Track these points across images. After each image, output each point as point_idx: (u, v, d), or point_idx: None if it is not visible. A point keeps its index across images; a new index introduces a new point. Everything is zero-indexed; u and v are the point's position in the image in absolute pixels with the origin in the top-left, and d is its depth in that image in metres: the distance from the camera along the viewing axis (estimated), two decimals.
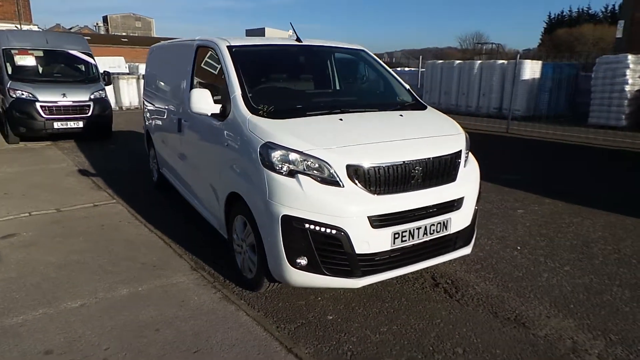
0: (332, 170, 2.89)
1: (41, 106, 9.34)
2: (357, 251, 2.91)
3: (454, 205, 3.29)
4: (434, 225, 3.17)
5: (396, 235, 3.00)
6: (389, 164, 2.99)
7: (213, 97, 3.61)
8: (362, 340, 2.90)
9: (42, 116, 9.37)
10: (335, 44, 4.52)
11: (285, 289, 3.50)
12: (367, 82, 4.69)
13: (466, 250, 3.53)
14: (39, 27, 18.60)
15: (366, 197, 2.93)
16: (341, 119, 3.37)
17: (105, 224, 4.97)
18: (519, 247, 4.38)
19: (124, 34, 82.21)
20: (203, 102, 3.53)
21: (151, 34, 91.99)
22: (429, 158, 3.16)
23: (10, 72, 9.83)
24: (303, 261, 2.92)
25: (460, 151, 3.43)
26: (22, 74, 9.87)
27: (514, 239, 4.60)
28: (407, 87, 4.31)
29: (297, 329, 3.03)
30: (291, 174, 2.92)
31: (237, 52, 3.86)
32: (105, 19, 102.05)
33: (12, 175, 7.06)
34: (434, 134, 3.47)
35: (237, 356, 2.70)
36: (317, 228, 2.85)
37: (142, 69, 31.92)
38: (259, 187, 3.03)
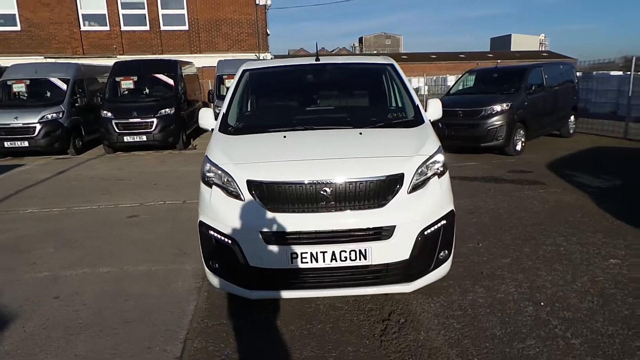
0: (235, 184, 3.10)
1: None
2: (251, 264, 3.02)
3: (379, 233, 2.98)
4: (345, 252, 2.96)
5: (294, 255, 2.97)
6: (289, 182, 2.99)
7: None
8: (242, 349, 3.00)
9: None
10: (358, 60, 4.46)
11: None
12: (374, 98, 4.42)
13: (404, 288, 3.11)
14: (273, 56, 22.47)
15: (262, 212, 3.01)
16: (285, 137, 3.47)
17: None
18: (542, 303, 3.43)
19: (374, 52, 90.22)
20: (205, 119, 4.14)
21: (399, 50, 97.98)
22: (344, 180, 2.98)
23: (221, 93, 12.62)
24: (216, 264, 3.22)
25: (402, 175, 3.06)
26: None
27: (551, 293, 3.59)
28: (417, 103, 3.94)
29: (214, 326, 3.32)
30: (210, 185, 3.26)
31: (250, 75, 4.34)
32: (360, 40, 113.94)
33: (181, 173, 9.16)
34: (376, 154, 3.19)
35: (151, 333, 3.22)
36: (218, 236, 3.11)
37: None
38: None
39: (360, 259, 2.97)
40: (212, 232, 3.13)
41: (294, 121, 3.81)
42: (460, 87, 11.14)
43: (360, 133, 3.47)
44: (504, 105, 9.16)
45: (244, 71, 4.38)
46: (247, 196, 3.06)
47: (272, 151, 3.29)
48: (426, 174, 3.19)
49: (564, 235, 4.80)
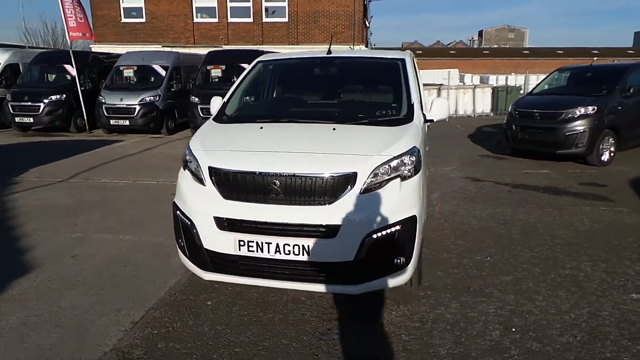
0: (200, 170, 3.27)
1: None
2: (205, 246, 3.18)
3: (323, 231, 2.93)
4: (288, 245, 2.98)
5: (241, 243, 3.06)
6: (242, 172, 3.07)
7: None
8: (189, 325, 3.19)
9: None
10: (370, 55, 4.32)
11: None
12: (375, 93, 4.22)
13: (349, 290, 3.03)
14: (372, 47, 22.35)
15: (217, 199, 3.14)
16: (261, 127, 3.55)
17: None
18: (514, 330, 3.08)
19: (495, 46, 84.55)
20: (213, 107, 4.37)
21: (523, 45, 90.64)
22: (294, 174, 2.98)
23: None
24: (182, 243, 3.44)
25: (354, 174, 2.97)
26: None
27: (533, 320, 3.19)
28: (414, 101, 3.74)
29: (180, 300, 3.56)
30: (185, 169, 3.48)
31: (262, 66, 4.48)
32: (480, 33, 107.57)
33: None
34: (335, 151, 3.12)
35: (127, 298, 3.58)
36: (182, 217, 3.32)
37: (492, 80, 32.43)
38: None
39: (303, 255, 2.97)
40: (179, 213, 3.35)
41: (283, 113, 3.87)
42: (548, 87, 10.06)
43: (334, 129, 3.42)
44: (590, 108, 8.10)
45: (257, 62, 4.52)
46: (208, 182, 3.21)
47: (239, 141, 3.40)
48: (388, 174, 3.05)
49: (594, 260, 4.20)
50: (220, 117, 3.97)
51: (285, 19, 21.24)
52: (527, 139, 8.80)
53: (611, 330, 3.07)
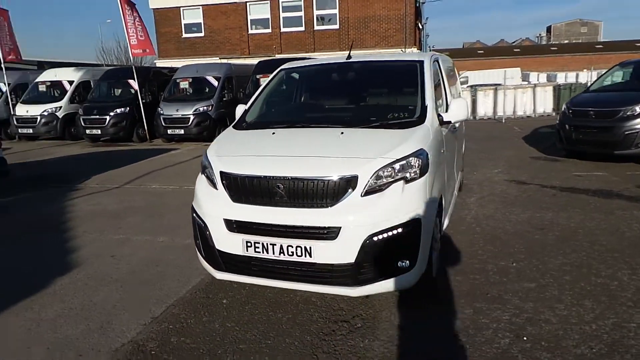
0: (213, 174, 3.43)
1: None
2: (217, 247, 3.34)
3: (324, 233, 2.98)
4: (291, 247, 3.06)
5: (248, 244, 3.18)
6: (248, 176, 3.20)
7: None
8: (201, 322, 3.35)
9: None
10: (389, 58, 4.32)
11: None
12: (393, 96, 4.16)
13: (349, 292, 3.05)
14: (430, 49, 21.93)
15: (227, 202, 3.29)
16: (273, 133, 3.66)
17: None
18: (525, 339, 2.93)
19: (565, 41, 79.69)
20: (237, 114, 4.56)
21: (597, 39, 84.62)
22: (296, 177, 3.06)
23: None
24: (198, 244, 3.63)
25: (355, 177, 2.99)
26: None
27: (549, 330, 3.02)
28: (427, 104, 3.68)
29: (199, 299, 3.74)
30: (202, 173, 3.67)
31: (285, 74, 4.61)
32: (548, 29, 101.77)
33: None
34: (338, 154, 3.15)
35: (152, 295, 3.82)
36: (198, 219, 3.50)
37: (560, 77, 30.16)
38: None
39: (305, 256, 3.03)
40: (195, 215, 3.54)
41: (297, 119, 3.97)
42: (609, 83, 9.38)
43: (342, 133, 3.46)
44: None
45: (280, 70, 4.66)
46: (220, 186, 3.37)
47: (250, 146, 3.54)
48: (392, 177, 3.04)
49: (633, 268, 3.88)
50: (240, 124, 4.14)
51: (336, 26, 21.46)
52: (582, 139, 8.26)
53: (635, 343, 2.83)
